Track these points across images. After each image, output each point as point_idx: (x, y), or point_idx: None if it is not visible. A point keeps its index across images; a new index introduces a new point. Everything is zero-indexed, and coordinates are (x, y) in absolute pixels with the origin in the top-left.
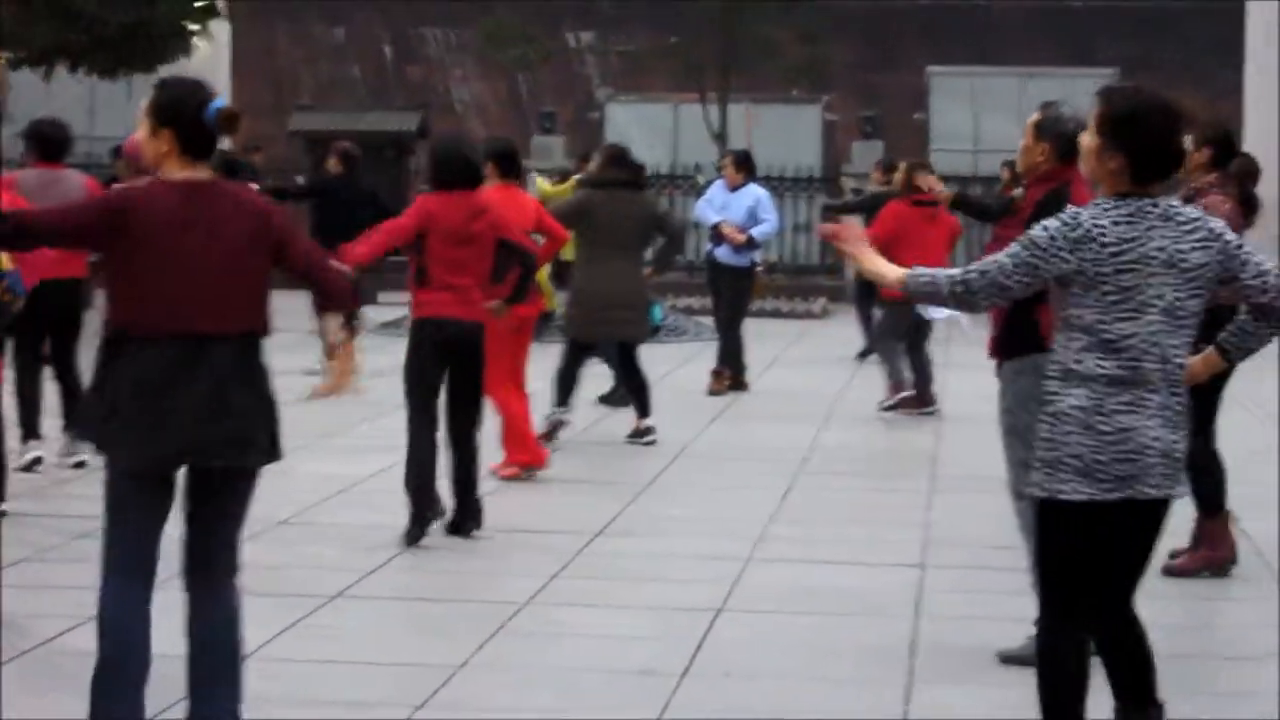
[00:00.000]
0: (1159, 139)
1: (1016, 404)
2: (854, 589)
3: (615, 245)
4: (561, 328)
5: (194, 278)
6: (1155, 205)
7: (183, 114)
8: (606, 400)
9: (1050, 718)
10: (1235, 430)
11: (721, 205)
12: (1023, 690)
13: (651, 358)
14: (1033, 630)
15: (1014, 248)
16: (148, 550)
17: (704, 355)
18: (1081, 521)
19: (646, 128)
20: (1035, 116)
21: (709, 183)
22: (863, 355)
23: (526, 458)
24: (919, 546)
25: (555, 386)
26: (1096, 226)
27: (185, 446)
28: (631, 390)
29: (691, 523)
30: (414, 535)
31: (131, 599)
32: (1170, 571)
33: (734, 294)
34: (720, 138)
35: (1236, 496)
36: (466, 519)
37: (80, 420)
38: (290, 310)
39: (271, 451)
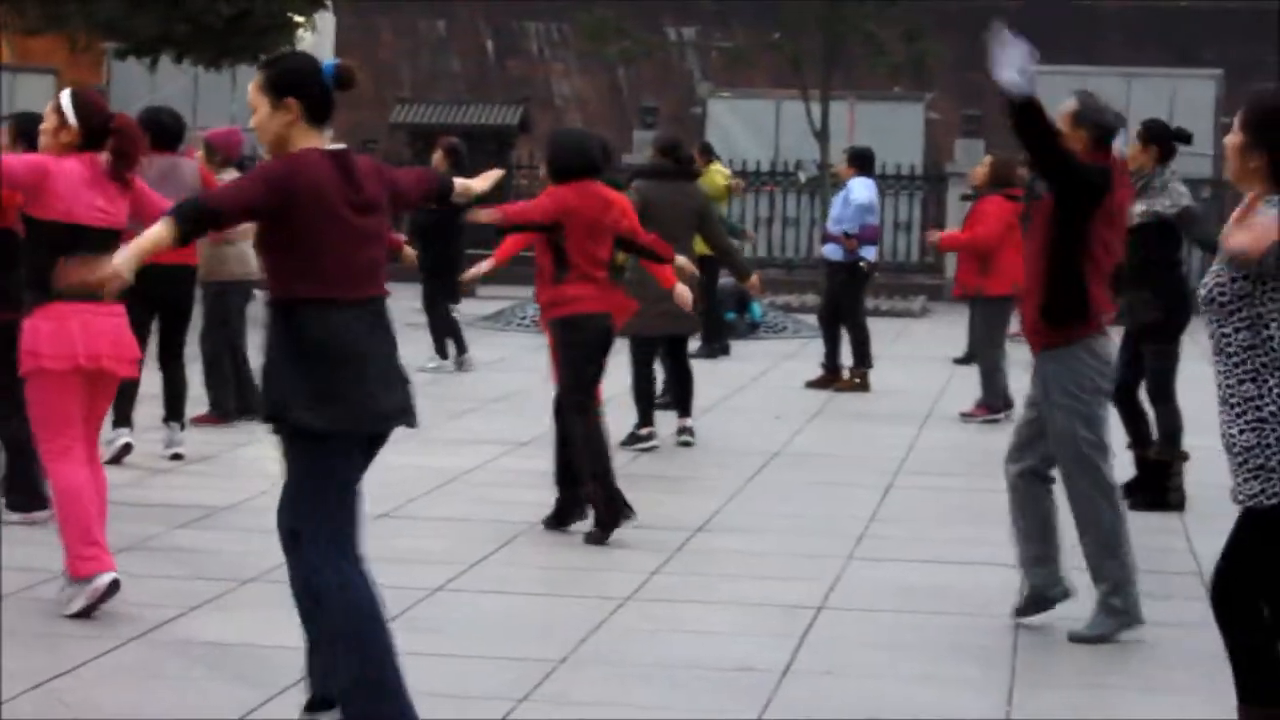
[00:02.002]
0: None
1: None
2: (955, 588)
3: (668, 236)
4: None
5: (358, 242)
6: None
7: (305, 81)
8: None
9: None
10: None
11: (839, 202)
12: (1124, 691)
13: (751, 354)
14: (1094, 609)
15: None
16: (349, 518)
17: (803, 353)
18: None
19: (748, 124)
20: (1072, 105)
21: (810, 180)
22: (962, 361)
23: None
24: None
25: (636, 402)
26: None
27: (385, 411)
28: (676, 383)
29: (791, 520)
30: (601, 537)
31: (349, 568)
32: None
33: (839, 290)
34: (822, 135)
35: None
36: (571, 513)
37: (269, 391)
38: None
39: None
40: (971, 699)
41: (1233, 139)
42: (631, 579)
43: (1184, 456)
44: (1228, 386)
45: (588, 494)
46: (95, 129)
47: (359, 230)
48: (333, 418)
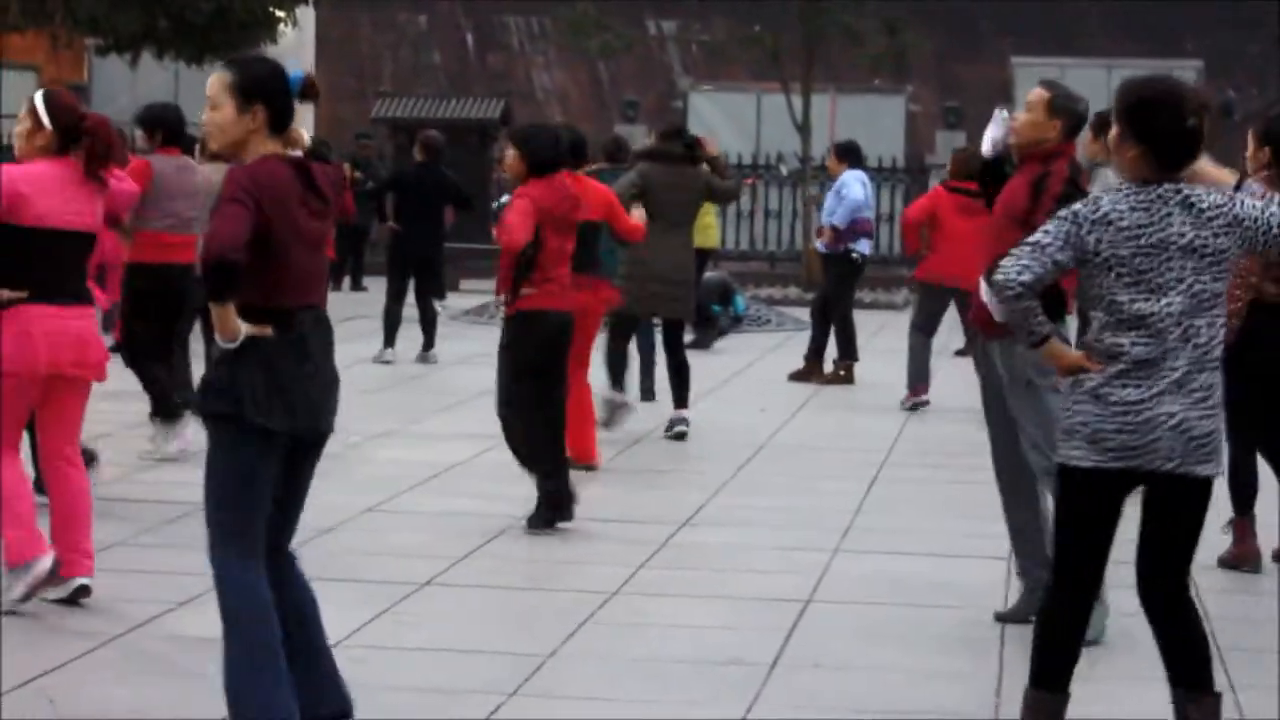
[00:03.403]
0: (1174, 127)
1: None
2: (943, 581)
3: (669, 221)
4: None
5: (314, 249)
6: (1177, 191)
7: (274, 88)
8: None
9: (1037, 679)
10: None
11: (835, 196)
12: (1113, 683)
13: (736, 348)
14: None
15: (1053, 225)
16: (264, 517)
17: (787, 345)
18: (1088, 488)
19: (729, 117)
20: (1045, 94)
21: (791, 173)
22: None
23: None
24: (1005, 539)
25: (607, 368)
26: (1115, 210)
27: (326, 413)
28: (673, 374)
29: (777, 513)
30: (541, 523)
31: (254, 565)
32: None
33: (832, 283)
34: (803, 128)
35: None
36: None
37: (216, 391)
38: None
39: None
40: (960, 692)
41: (1111, 132)
42: (618, 573)
43: None
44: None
45: (540, 486)
46: (69, 130)
47: (316, 238)
48: (281, 418)
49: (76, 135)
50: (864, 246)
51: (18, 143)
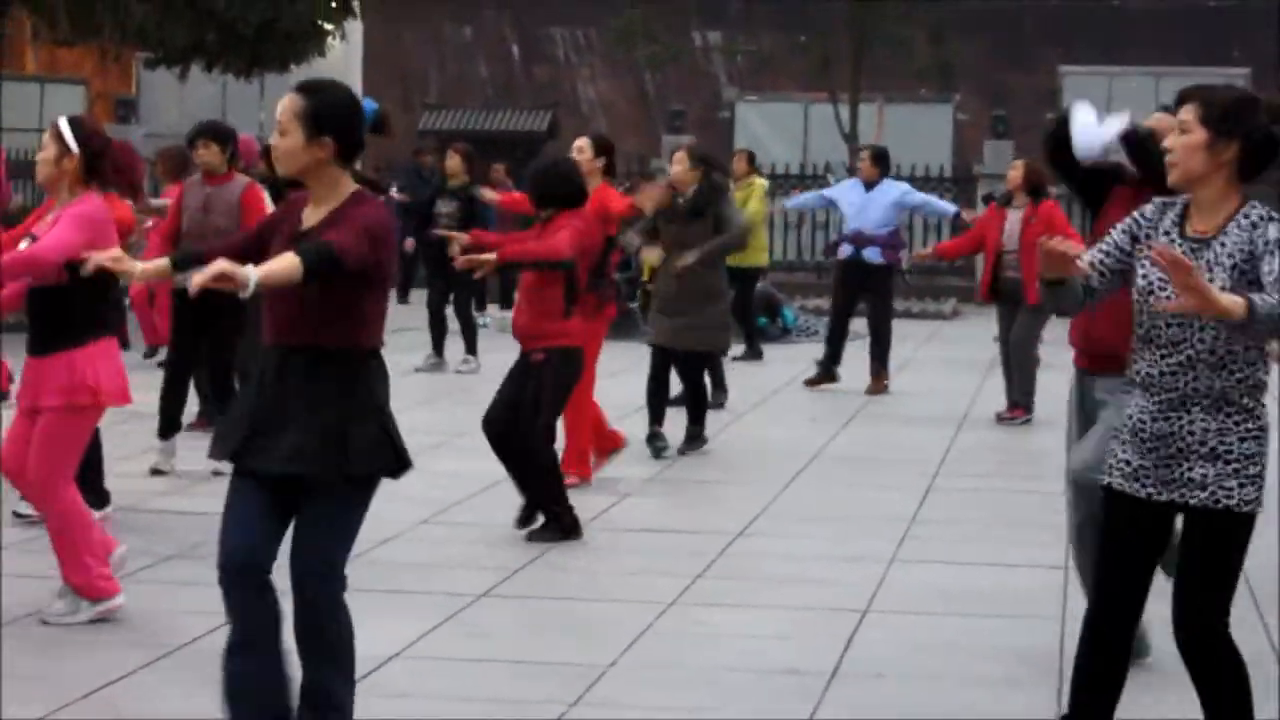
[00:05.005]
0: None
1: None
2: (1000, 590)
3: (682, 246)
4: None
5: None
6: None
7: (348, 121)
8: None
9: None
10: None
11: (861, 205)
12: (1178, 690)
13: (784, 358)
14: None
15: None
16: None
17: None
18: (1118, 512)
19: (776, 127)
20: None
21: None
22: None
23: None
24: (1060, 547)
25: (650, 406)
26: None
27: (278, 455)
28: (689, 394)
29: (832, 523)
30: (549, 537)
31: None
32: None
33: (883, 293)
34: (850, 137)
35: None
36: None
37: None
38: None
39: None
40: (1021, 700)
41: (1190, 139)
42: (675, 583)
43: None
44: (1225, 396)
45: (550, 509)
46: (96, 155)
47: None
48: (219, 448)
49: (102, 160)
50: (850, 253)
51: (42, 169)
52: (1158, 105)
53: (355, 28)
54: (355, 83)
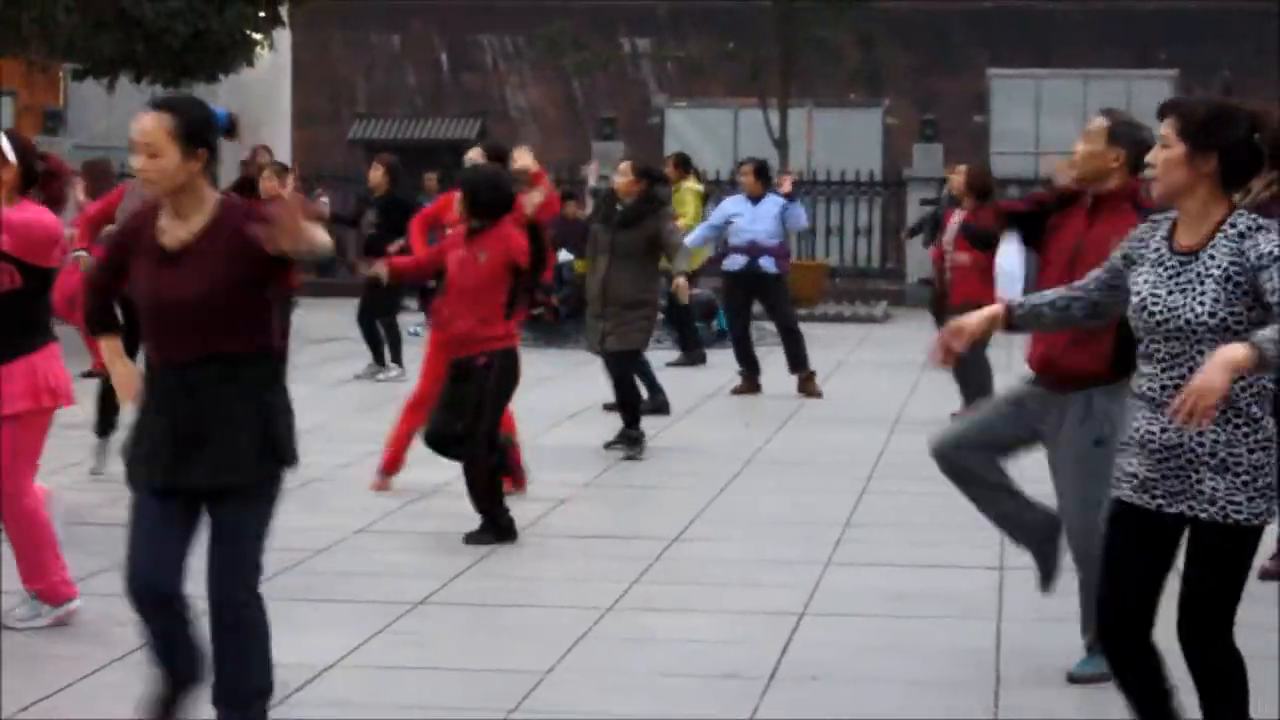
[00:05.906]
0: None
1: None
2: (936, 592)
3: (611, 252)
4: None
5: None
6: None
7: (213, 131)
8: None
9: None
10: None
11: (751, 217)
12: (1111, 691)
13: (720, 363)
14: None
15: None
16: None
17: (768, 359)
18: (1127, 524)
19: (706, 133)
20: (1105, 122)
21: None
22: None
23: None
24: (996, 549)
25: (630, 408)
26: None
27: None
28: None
29: (767, 527)
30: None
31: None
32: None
33: (780, 296)
34: (781, 143)
35: None
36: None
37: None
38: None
39: None
40: (959, 701)
41: (1170, 153)
42: (613, 588)
43: None
44: (1233, 404)
45: (487, 511)
46: (31, 167)
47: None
48: (143, 476)
49: (35, 172)
50: (744, 263)
51: None
52: (1085, 108)
53: (284, 37)
54: (284, 93)
